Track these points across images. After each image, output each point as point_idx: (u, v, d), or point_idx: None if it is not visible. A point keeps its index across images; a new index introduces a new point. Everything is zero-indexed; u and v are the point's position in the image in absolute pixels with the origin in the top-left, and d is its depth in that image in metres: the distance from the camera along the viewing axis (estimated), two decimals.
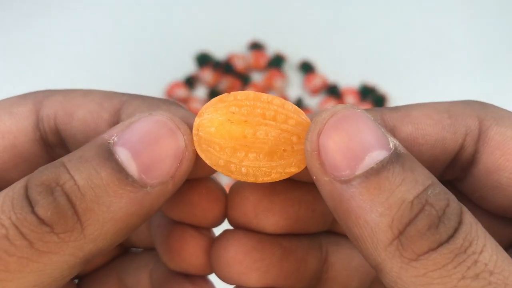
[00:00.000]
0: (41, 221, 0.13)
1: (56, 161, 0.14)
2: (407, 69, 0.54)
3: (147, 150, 0.14)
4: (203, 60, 0.55)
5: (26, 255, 0.13)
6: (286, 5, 0.60)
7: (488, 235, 0.13)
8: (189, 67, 0.55)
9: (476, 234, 0.13)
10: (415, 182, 0.13)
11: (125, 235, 0.15)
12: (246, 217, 0.18)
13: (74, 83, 0.52)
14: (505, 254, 0.13)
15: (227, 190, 0.19)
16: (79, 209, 0.14)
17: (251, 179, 0.15)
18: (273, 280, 0.18)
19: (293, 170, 0.15)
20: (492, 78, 0.54)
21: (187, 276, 0.20)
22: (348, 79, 0.53)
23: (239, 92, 0.16)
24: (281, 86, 0.53)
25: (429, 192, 0.13)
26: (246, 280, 0.18)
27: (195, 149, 0.15)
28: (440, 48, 0.56)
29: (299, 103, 0.52)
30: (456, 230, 0.13)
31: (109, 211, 0.14)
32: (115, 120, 0.17)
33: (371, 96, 0.53)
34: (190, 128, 0.16)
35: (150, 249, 0.22)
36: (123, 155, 0.14)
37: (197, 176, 0.17)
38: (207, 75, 0.54)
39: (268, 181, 0.15)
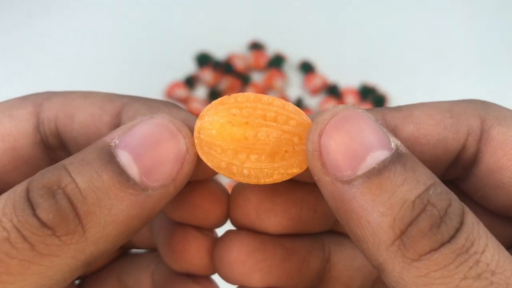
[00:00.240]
0: (43, 223, 0.13)
1: (58, 163, 0.14)
2: (407, 69, 0.54)
3: (148, 153, 0.14)
4: (203, 60, 0.55)
5: (28, 258, 0.13)
6: (286, 5, 0.60)
7: (490, 235, 0.13)
8: (189, 67, 0.55)
9: (478, 234, 0.13)
10: (417, 182, 0.13)
11: (126, 237, 0.15)
12: (249, 217, 0.18)
13: (74, 83, 0.53)
14: (507, 253, 0.13)
15: (229, 190, 0.19)
16: (80, 212, 0.14)
17: (253, 181, 0.15)
18: (276, 280, 0.18)
19: (295, 171, 0.16)
20: (492, 78, 0.54)
21: (190, 276, 0.20)
22: (348, 79, 0.53)
23: (240, 94, 0.16)
24: (281, 86, 0.53)
25: (430, 192, 0.13)
26: (249, 280, 0.18)
27: (196, 152, 0.16)
28: (440, 48, 0.56)
29: (299, 103, 0.52)
30: (458, 230, 0.13)
31: (110, 214, 0.14)
32: (116, 123, 0.17)
33: (371, 96, 0.52)
34: (191, 130, 0.16)
35: (151, 250, 0.22)
36: (125, 158, 0.14)
37: (198, 178, 0.17)
38: (207, 75, 0.54)
39: (270, 182, 0.16)
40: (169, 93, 0.52)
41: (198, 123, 0.16)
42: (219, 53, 0.55)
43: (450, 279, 0.12)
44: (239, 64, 0.54)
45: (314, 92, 0.53)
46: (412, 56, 0.55)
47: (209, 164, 0.15)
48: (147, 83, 0.53)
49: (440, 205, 0.13)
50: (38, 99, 0.18)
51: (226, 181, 0.44)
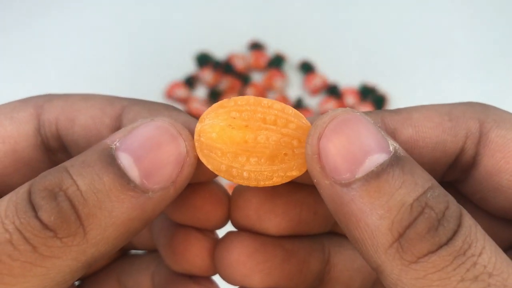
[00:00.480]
0: (45, 225, 0.13)
1: (59, 166, 0.15)
2: (407, 69, 0.54)
3: (149, 156, 0.15)
4: (203, 60, 0.55)
5: (30, 260, 0.13)
6: (286, 5, 0.60)
7: (487, 237, 0.13)
8: (189, 67, 0.55)
9: (475, 236, 0.13)
10: (415, 185, 0.13)
11: (126, 239, 0.15)
12: (249, 219, 0.18)
13: (74, 82, 0.53)
14: (504, 256, 0.13)
15: (230, 192, 0.19)
16: (81, 214, 0.14)
17: (253, 183, 0.16)
18: (276, 281, 0.19)
19: (294, 173, 0.16)
20: (493, 78, 0.54)
21: (191, 277, 0.20)
22: (348, 79, 0.53)
23: (240, 97, 0.16)
24: (281, 86, 0.53)
25: (428, 195, 0.13)
26: (249, 281, 0.18)
27: (197, 155, 0.16)
28: (440, 48, 0.56)
29: (299, 103, 0.52)
30: (455, 232, 0.13)
31: (111, 216, 0.14)
32: (117, 125, 0.17)
33: (371, 96, 0.53)
34: (192, 133, 0.16)
35: (151, 251, 0.22)
36: (125, 160, 0.14)
37: (199, 181, 0.17)
38: (207, 75, 0.54)
39: (270, 185, 0.16)
40: (169, 93, 0.52)
41: (198, 126, 0.16)
42: (219, 53, 0.55)
43: (448, 281, 0.13)
44: (239, 64, 0.54)
45: (314, 92, 0.53)
46: (412, 56, 0.55)
47: (209, 166, 0.16)
48: (147, 83, 0.53)
49: (438, 207, 0.13)
50: (39, 102, 0.18)
51: (226, 183, 0.44)
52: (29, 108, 0.18)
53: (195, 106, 0.51)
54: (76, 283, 0.22)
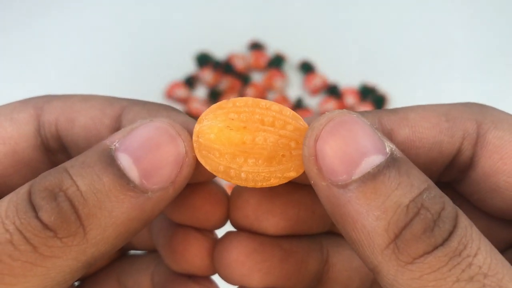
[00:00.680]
0: (45, 226, 0.13)
1: (59, 166, 0.15)
2: (407, 69, 0.54)
3: (148, 156, 0.15)
4: (203, 60, 0.55)
5: (30, 260, 0.13)
6: (286, 5, 0.60)
7: (483, 238, 0.13)
8: (189, 67, 0.55)
9: (470, 237, 0.13)
10: (411, 186, 0.13)
11: (126, 239, 0.15)
12: (248, 219, 0.18)
13: (74, 82, 0.53)
14: (499, 256, 0.13)
15: (229, 192, 0.19)
16: (81, 214, 0.14)
17: (250, 184, 0.16)
18: (275, 281, 0.19)
19: (291, 174, 0.16)
20: (492, 78, 0.54)
21: (190, 277, 0.20)
22: (348, 79, 0.54)
23: (238, 98, 0.16)
24: (281, 86, 0.53)
25: (424, 196, 0.13)
26: (248, 281, 0.18)
27: (195, 155, 0.16)
28: (440, 48, 0.56)
29: (299, 103, 0.52)
30: (451, 233, 0.13)
31: (111, 216, 0.14)
32: (116, 126, 0.17)
33: (371, 96, 0.53)
34: (190, 134, 0.16)
35: (150, 252, 0.22)
36: (125, 161, 0.14)
37: (198, 181, 0.17)
38: (207, 75, 0.54)
39: (267, 186, 0.16)
40: (169, 93, 0.52)
41: (197, 127, 0.16)
42: (219, 53, 0.56)
43: (443, 282, 0.13)
44: (239, 64, 0.55)
45: (314, 92, 0.53)
46: (412, 56, 0.55)
47: (207, 167, 0.16)
48: (147, 83, 0.53)
49: (434, 208, 0.13)
50: (39, 103, 0.18)
51: (226, 183, 0.44)
52: (29, 109, 0.18)
53: (195, 106, 0.51)
54: (76, 283, 0.22)
